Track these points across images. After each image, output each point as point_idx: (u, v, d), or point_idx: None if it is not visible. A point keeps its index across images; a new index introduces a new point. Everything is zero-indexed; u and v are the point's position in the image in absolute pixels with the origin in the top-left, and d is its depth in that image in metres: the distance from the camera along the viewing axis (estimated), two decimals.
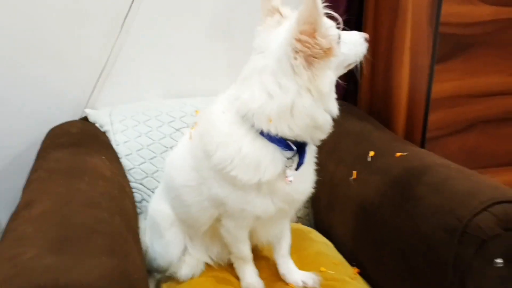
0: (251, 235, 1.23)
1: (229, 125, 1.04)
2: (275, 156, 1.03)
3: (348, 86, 1.94)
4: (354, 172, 1.38)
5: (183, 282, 1.26)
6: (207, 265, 1.31)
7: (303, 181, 1.12)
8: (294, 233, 1.47)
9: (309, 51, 0.94)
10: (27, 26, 1.52)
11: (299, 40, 0.93)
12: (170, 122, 1.56)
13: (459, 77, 1.48)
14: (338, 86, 1.87)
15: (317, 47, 0.94)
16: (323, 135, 1.07)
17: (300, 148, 1.05)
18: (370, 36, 1.73)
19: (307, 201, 1.63)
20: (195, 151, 1.13)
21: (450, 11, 1.41)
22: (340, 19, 1.04)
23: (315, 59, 0.95)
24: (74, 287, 0.78)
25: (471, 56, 1.47)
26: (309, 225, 1.62)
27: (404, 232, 1.14)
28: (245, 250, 1.23)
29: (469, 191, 1.07)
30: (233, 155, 1.03)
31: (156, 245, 1.31)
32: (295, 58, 0.95)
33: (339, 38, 1.02)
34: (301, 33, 0.93)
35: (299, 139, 1.03)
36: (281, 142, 1.02)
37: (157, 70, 1.70)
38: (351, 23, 1.84)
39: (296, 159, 1.06)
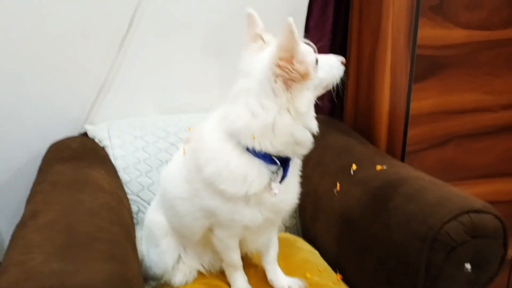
0: (241, 244, 1.32)
1: (218, 142, 1.14)
2: (260, 170, 1.13)
3: (335, 103, 2.05)
4: (338, 184, 1.47)
5: None
6: (200, 272, 1.39)
7: (288, 192, 1.21)
8: (282, 241, 1.56)
9: (288, 76, 1.04)
10: (30, 44, 1.60)
11: (278, 66, 1.03)
12: (166, 137, 1.65)
13: (435, 95, 1.59)
14: (324, 103, 1.99)
15: (295, 72, 1.04)
16: (305, 151, 1.16)
17: (284, 162, 1.14)
18: (354, 56, 1.88)
19: (294, 212, 1.73)
20: (188, 165, 1.22)
21: (426, 34, 1.52)
22: (314, 47, 1.13)
23: (293, 82, 1.05)
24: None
25: (446, 76, 1.57)
26: (297, 234, 1.71)
27: (381, 240, 1.23)
28: (236, 258, 1.32)
29: (439, 201, 1.16)
30: (221, 169, 1.12)
31: (152, 253, 1.39)
32: (275, 82, 1.05)
33: (316, 62, 1.12)
34: (280, 59, 1.03)
35: (282, 154, 1.12)
36: (266, 157, 1.12)
37: (154, 87, 1.79)
38: (336, 44, 1.95)
39: (280, 172, 1.15)
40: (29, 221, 1.12)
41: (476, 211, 1.12)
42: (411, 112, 1.59)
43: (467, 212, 1.12)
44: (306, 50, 1.11)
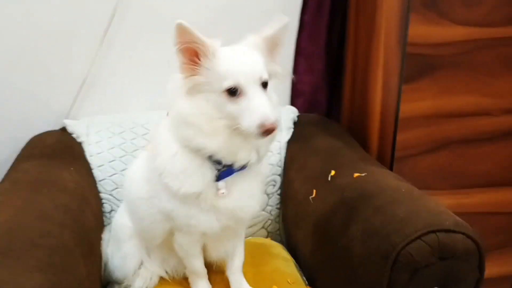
0: (204, 251, 1.26)
1: (165, 136, 1.09)
2: (203, 167, 1.06)
3: (332, 102, 1.96)
4: (314, 191, 1.39)
5: None
6: (162, 279, 1.34)
7: (247, 199, 1.13)
8: (258, 247, 1.50)
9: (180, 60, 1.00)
10: (14, 40, 1.59)
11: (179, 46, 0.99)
12: (144, 135, 1.60)
13: (429, 97, 1.47)
14: (320, 101, 1.90)
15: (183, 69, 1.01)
16: (229, 160, 1.04)
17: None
18: (351, 53, 1.78)
19: (277, 216, 1.66)
20: (148, 163, 1.18)
21: (418, 32, 1.41)
22: (251, 78, 0.99)
23: (185, 74, 1.01)
24: None
25: (440, 77, 1.46)
26: (279, 240, 1.64)
27: (349, 253, 1.15)
28: (198, 265, 1.26)
29: (407, 217, 1.06)
30: (165, 163, 1.08)
31: (115, 257, 1.35)
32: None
33: (232, 93, 0.98)
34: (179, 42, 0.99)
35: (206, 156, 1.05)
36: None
37: (137, 83, 1.75)
38: (333, 42, 1.85)
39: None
40: None
41: (446, 230, 1.02)
42: (401, 114, 1.48)
43: (435, 231, 1.01)
44: (218, 69, 0.99)
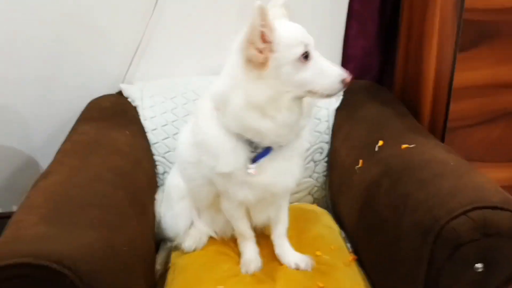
0: (248, 215, 1.31)
1: (205, 112, 1.14)
2: (237, 148, 1.09)
3: (385, 68, 1.91)
4: (361, 161, 1.38)
5: (188, 253, 1.37)
6: (211, 239, 1.41)
7: (281, 175, 1.16)
8: (304, 213, 1.53)
9: (247, 57, 1.00)
10: (71, 8, 1.66)
11: (242, 46, 1.01)
12: (194, 100, 1.64)
13: (485, 66, 1.40)
14: (372, 66, 1.86)
15: (253, 57, 1.00)
16: (271, 140, 1.08)
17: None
18: (405, 20, 1.71)
19: (324, 183, 1.67)
20: (192, 134, 1.22)
21: None
22: (311, 41, 1.04)
23: (252, 66, 1.01)
24: (56, 254, 0.90)
25: (498, 45, 1.38)
26: (325, 207, 1.66)
27: (390, 225, 1.15)
28: (243, 228, 1.31)
29: (453, 192, 1.05)
30: (202, 141, 1.13)
31: (167, 216, 1.43)
32: (239, 60, 1.02)
33: (305, 58, 1.02)
34: (246, 39, 0.99)
35: (247, 136, 1.07)
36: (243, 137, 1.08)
37: (189, 48, 1.78)
38: (388, 5, 1.78)
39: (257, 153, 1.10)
40: (40, 180, 1.19)
41: (492, 207, 0.99)
42: (455, 84, 1.43)
43: (481, 207, 0.99)
44: (288, 41, 1.02)
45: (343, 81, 1.03)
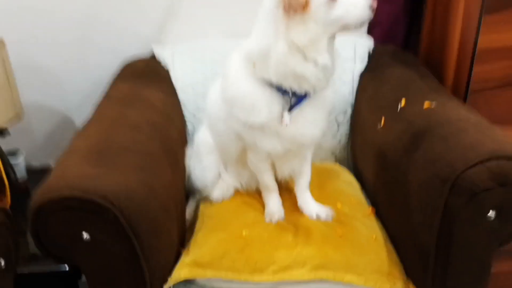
0: (273, 169, 1.38)
1: (237, 69, 1.19)
2: (271, 100, 1.16)
3: (411, 33, 1.93)
4: (383, 119, 1.43)
5: (216, 203, 1.46)
6: (237, 191, 1.49)
7: (308, 126, 1.22)
8: (325, 171, 1.60)
9: (287, 3, 1.04)
10: None
11: None
12: (223, 61, 1.69)
13: (509, 29, 1.42)
14: (398, 31, 1.88)
15: (294, 1, 1.03)
16: (314, 86, 1.14)
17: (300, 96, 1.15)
18: None
19: (346, 143, 1.73)
20: (221, 92, 1.29)
21: None
22: None
23: (294, 12, 1.04)
24: (100, 191, 1.00)
25: None
26: (347, 165, 1.72)
27: (408, 177, 1.20)
28: (268, 180, 1.39)
29: (472, 144, 1.09)
30: (235, 95, 1.19)
31: (196, 169, 1.51)
32: (277, 8, 1.06)
33: None
34: None
35: (286, 85, 1.13)
36: (279, 87, 1.13)
37: (219, 10, 1.84)
38: None
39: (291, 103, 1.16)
40: (82, 130, 1.28)
41: (508, 158, 1.04)
42: (479, 45, 1.45)
43: (497, 158, 1.04)
44: None
45: (370, 7, 1.10)
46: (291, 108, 1.17)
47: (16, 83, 1.69)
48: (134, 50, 1.84)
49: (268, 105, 1.16)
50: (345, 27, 1.12)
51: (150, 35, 1.85)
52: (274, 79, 1.14)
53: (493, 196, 1.05)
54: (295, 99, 1.16)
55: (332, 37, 1.15)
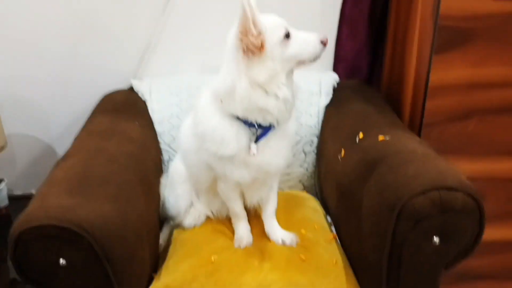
0: (242, 197, 1.48)
1: (206, 105, 1.31)
2: (239, 132, 1.27)
3: (374, 68, 2.07)
4: (343, 150, 1.55)
5: (188, 230, 1.55)
6: (208, 218, 1.58)
7: (273, 156, 1.32)
8: (293, 198, 1.70)
9: (245, 47, 1.17)
10: (90, 8, 1.84)
11: (238, 37, 1.17)
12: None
13: (459, 67, 1.55)
14: (361, 67, 2.02)
15: (250, 44, 1.16)
16: (274, 117, 1.24)
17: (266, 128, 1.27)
18: (392, 23, 1.88)
19: (313, 172, 1.84)
20: (192, 127, 1.40)
21: (450, 4, 1.48)
22: (286, 23, 1.23)
23: (251, 53, 1.17)
24: (76, 220, 1.09)
25: (470, 48, 1.53)
26: (314, 194, 1.83)
27: (364, 204, 1.31)
28: (237, 208, 1.48)
29: (416, 175, 1.21)
30: (205, 130, 1.30)
31: (170, 197, 1.60)
32: (238, 50, 1.19)
33: (286, 37, 1.20)
34: (240, 32, 1.16)
35: (251, 119, 1.24)
36: (245, 120, 1.25)
37: (195, 47, 1.95)
38: (377, 9, 1.94)
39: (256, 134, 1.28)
40: (61, 162, 1.37)
41: (448, 188, 1.15)
42: (430, 83, 1.58)
43: (438, 188, 1.15)
44: (271, 26, 1.20)
45: (322, 41, 1.22)
46: (257, 140, 1.28)
47: (0, 115, 1.78)
48: (113, 84, 1.95)
49: (236, 138, 1.27)
50: (301, 63, 1.24)
51: (129, 70, 1.96)
52: (240, 114, 1.25)
53: (436, 222, 1.17)
54: (261, 130, 1.27)
55: (291, 72, 1.26)
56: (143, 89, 1.86)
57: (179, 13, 1.89)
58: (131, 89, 1.92)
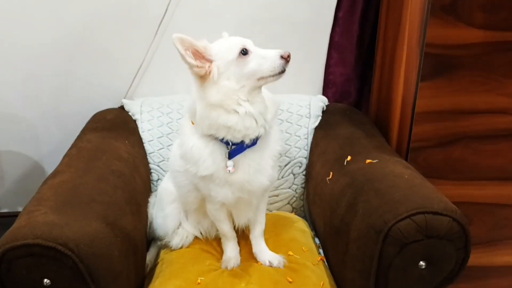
0: (231, 218, 1.49)
1: (187, 127, 1.35)
2: (214, 151, 1.29)
3: (362, 93, 2.11)
4: (331, 173, 1.56)
5: (175, 250, 1.54)
6: (196, 238, 1.58)
7: (256, 174, 1.33)
8: (281, 219, 1.71)
9: (195, 75, 1.25)
10: (78, 29, 1.86)
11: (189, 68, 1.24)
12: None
13: (444, 94, 1.59)
14: (350, 92, 2.05)
15: (197, 72, 1.23)
16: (241, 133, 1.26)
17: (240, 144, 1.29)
18: (380, 49, 1.92)
19: (302, 194, 1.85)
20: (179, 148, 1.42)
21: (435, 33, 1.52)
22: (248, 41, 1.27)
23: (202, 79, 1.24)
24: (61, 238, 1.08)
25: (455, 76, 1.57)
26: (303, 216, 1.84)
27: (351, 227, 1.32)
28: (225, 229, 1.49)
29: (402, 199, 1.23)
30: (185, 150, 1.33)
31: (158, 217, 1.60)
32: (194, 77, 1.25)
33: (244, 54, 1.23)
34: (186, 63, 1.23)
35: (220, 136, 1.27)
36: (220, 139, 1.28)
37: (185, 69, 1.95)
38: (366, 36, 1.99)
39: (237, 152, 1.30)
40: (49, 179, 1.37)
41: (434, 213, 1.17)
42: (417, 109, 1.61)
43: (423, 212, 1.17)
44: (223, 48, 1.25)
45: (282, 56, 1.22)
46: (230, 156, 1.29)
47: None
48: (104, 103, 1.96)
49: (211, 156, 1.29)
50: (263, 78, 1.25)
51: (120, 90, 1.97)
52: (207, 132, 1.28)
53: (422, 246, 1.18)
54: (235, 147, 1.28)
55: (256, 88, 1.27)
56: (134, 109, 1.87)
57: (171, 35, 1.90)
58: (121, 108, 1.93)
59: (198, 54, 1.23)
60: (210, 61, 1.23)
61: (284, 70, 1.24)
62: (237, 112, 1.24)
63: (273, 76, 1.24)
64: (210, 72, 1.23)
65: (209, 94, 1.24)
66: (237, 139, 1.27)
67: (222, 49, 1.25)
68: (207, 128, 1.27)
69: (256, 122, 1.26)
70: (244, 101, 1.25)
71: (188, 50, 1.21)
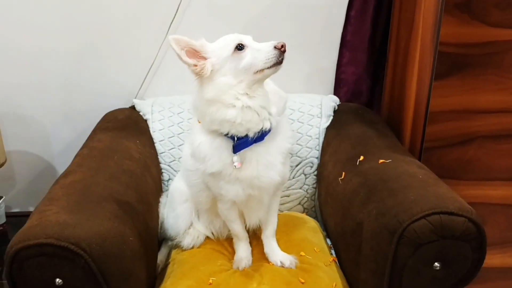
0: (242, 218, 1.48)
1: (195, 127, 1.36)
2: (219, 147, 1.29)
3: (374, 92, 2.09)
4: (343, 173, 1.55)
5: (186, 250, 1.54)
6: (207, 238, 1.57)
7: (265, 170, 1.32)
8: (293, 219, 1.70)
9: (193, 73, 1.27)
10: (91, 30, 1.87)
11: (188, 67, 1.27)
12: None
13: (458, 93, 1.57)
14: (362, 91, 2.03)
15: (194, 71, 1.25)
16: (244, 127, 1.25)
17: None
18: (393, 49, 1.91)
19: (313, 194, 1.84)
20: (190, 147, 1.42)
21: (450, 31, 1.51)
22: (244, 37, 1.27)
23: (198, 76, 1.26)
24: (74, 238, 1.08)
25: (469, 75, 1.55)
26: (314, 216, 1.82)
27: (364, 227, 1.31)
28: (237, 229, 1.48)
29: (416, 199, 1.21)
30: (194, 149, 1.33)
31: (170, 217, 1.60)
32: (194, 76, 1.27)
33: (239, 49, 1.23)
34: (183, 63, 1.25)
35: (224, 131, 1.27)
36: (225, 135, 1.27)
37: None
38: (378, 35, 1.97)
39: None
40: (61, 179, 1.37)
41: (449, 213, 1.15)
42: (430, 108, 1.60)
43: (439, 212, 1.15)
44: (219, 46, 1.26)
45: (276, 47, 1.21)
46: (235, 150, 1.28)
47: (1, 132, 1.78)
48: (115, 103, 1.96)
49: (217, 153, 1.29)
50: (260, 72, 1.23)
51: (131, 90, 1.98)
52: (211, 127, 1.28)
53: (437, 247, 1.16)
54: (240, 141, 1.27)
55: (255, 82, 1.25)
56: (145, 108, 1.87)
57: (182, 35, 1.91)
58: (132, 107, 1.93)
59: (196, 53, 1.25)
60: (205, 58, 1.25)
61: (281, 61, 1.22)
62: (234, 106, 1.24)
63: (269, 68, 1.23)
64: (203, 69, 1.24)
65: (205, 91, 1.25)
66: (241, 133, 1.26)
67: (218, 46, 1.27)
68: (210, 123, 1.28)
69: (258, 115, 1.26)
70: (242, 95, 1.24)
71: (184, 49, 1.23)
